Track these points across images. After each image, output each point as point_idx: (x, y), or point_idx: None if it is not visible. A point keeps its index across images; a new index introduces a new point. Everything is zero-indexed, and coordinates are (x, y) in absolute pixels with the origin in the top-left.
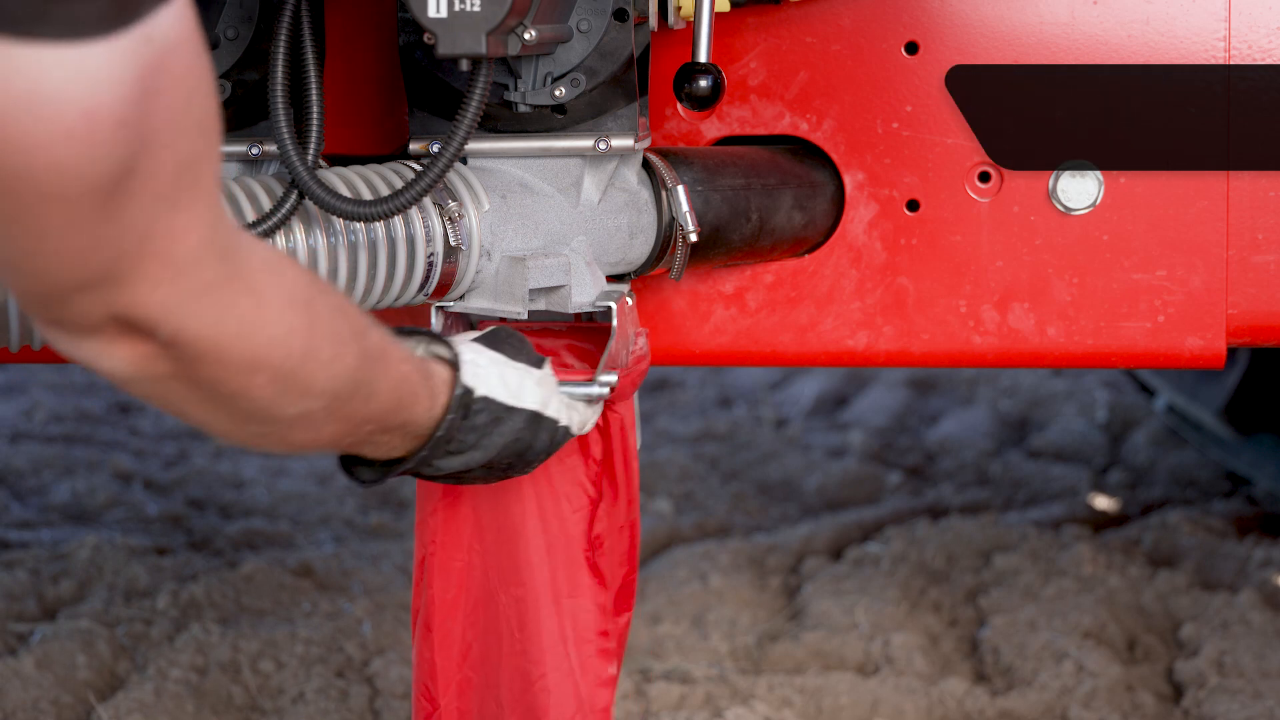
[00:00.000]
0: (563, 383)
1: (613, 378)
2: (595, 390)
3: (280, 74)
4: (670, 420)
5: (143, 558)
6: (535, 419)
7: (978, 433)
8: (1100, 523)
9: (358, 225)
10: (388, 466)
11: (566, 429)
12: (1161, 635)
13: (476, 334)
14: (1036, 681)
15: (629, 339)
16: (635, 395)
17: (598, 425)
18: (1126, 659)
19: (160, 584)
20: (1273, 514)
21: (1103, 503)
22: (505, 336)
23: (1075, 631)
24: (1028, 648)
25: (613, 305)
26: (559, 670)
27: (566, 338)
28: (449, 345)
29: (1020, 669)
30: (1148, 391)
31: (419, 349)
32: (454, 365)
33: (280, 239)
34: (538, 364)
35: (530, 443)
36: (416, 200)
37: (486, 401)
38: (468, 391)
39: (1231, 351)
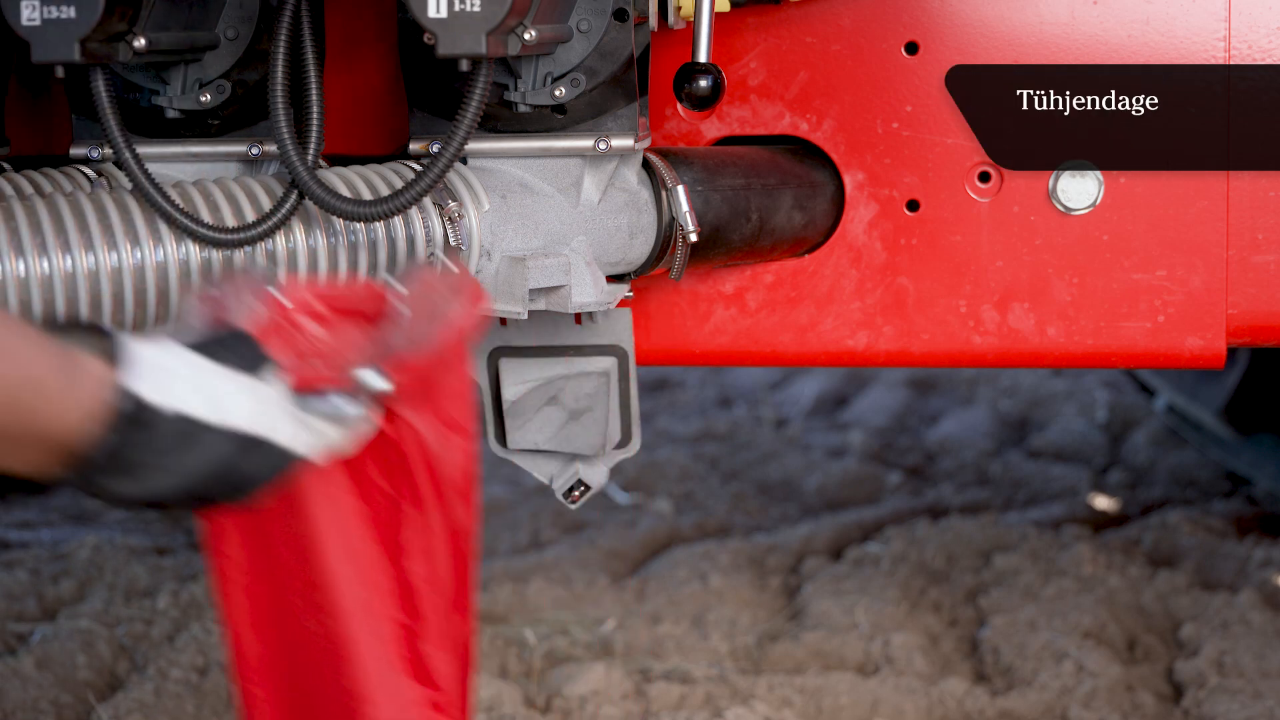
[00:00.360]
0: (302, 394)
1: (379, 383)
2: (347, 410)
3: (280, 74)
4: (670, 420)
5: (143, 558)
6: (246, 442)
7: (978, 433)
8: (1100, 523)
9: (358, 225)
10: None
11: (289, 453)
12: (1161, 635)
13: (174, 332)
14: (1036, 681)
15: (432, 313)
16: (480, 352)
17: (384, 434)
18: (1126, 659)
19: (160, 584)
20: (1273, 514)
21: (1103, 503)
22: (215, 341)
23: (1075, 631)
24: (1028, 648)
25: (392, 281)
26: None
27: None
28: (114, 340)
29: (1020, 669)
30: (1148, 391)
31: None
32: (113, 364)
33: (280, 239)
34: (253, 369)
35: (241, 470)
36: (416, 200)
37: (172, 417)
38: (139, 403)
39: (1231, 351)
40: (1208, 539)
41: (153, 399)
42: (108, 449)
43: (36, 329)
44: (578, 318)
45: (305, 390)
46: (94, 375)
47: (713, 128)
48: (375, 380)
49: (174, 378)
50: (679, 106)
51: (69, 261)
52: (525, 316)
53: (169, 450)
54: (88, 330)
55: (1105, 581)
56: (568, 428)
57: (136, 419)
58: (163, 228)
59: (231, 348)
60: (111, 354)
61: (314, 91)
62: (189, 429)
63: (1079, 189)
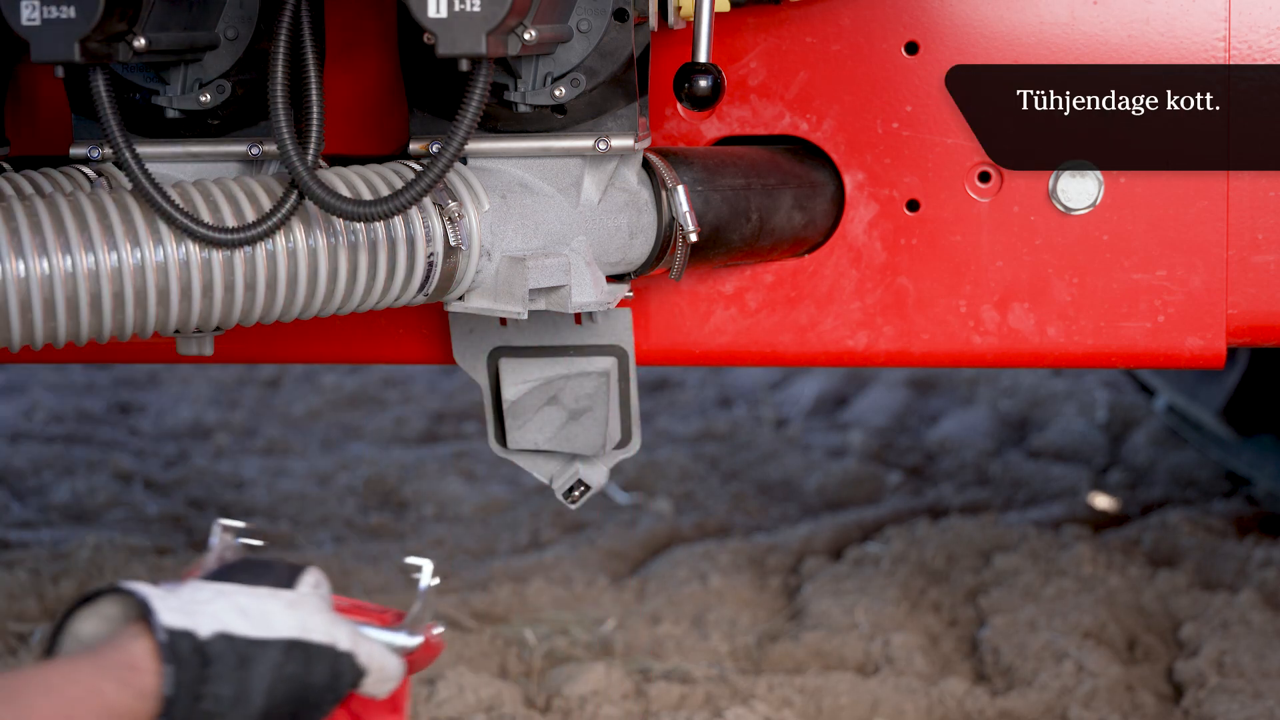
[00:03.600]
0: (360, 623)
1: (418, 639)
2: (400, 639)
3: (280, 74)
4: (670, 420)
5: (143, 558)
6: (300, 649)
7: (978, 433)
8: (1100, 523)
9: (358, 225)
10: None
11: (352, 658)
12: (1161, 635)
13: (202, 572)
14: (1036, 681)
15: (432, 611)
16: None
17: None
18: (1126, 659)
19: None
20: (1273, 514)
21: (1103, 503)
22: (237, 567)
23: (1075, 631)
24: (1028, 648)
25: (425, 567)
26: None
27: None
28: (137, 595)
29: (1020, 669)
30: (1148, 391)
31: (97, 617)
32: (145, 615)
33: (280, 239)
34: (288, 583)
35: (304, 678)
36: (416, 200)
37: (216, 638)
38: (186, 634)
39: (1231, 351)
40: (1208, 539)
41: (189, 628)
42: (187, 693)
43: (66, 662)
44: (578, 318)
45: (357, 619)
46: (137, 656)
47: (713, 128)
48: (414, 639)
49: (206, 605)
50: (679, 106)
51: (69, 261)
52: (525, 316)
53: (229, 675)
54: (111, 594)
55: (1105, 581)
56: (568, 428)
57: (181, 652)
58: (163, 228)
59: (261, 570)
60: (141, 609)
61: (314, 91)
62: (240, 648)
63: (1079, 189)
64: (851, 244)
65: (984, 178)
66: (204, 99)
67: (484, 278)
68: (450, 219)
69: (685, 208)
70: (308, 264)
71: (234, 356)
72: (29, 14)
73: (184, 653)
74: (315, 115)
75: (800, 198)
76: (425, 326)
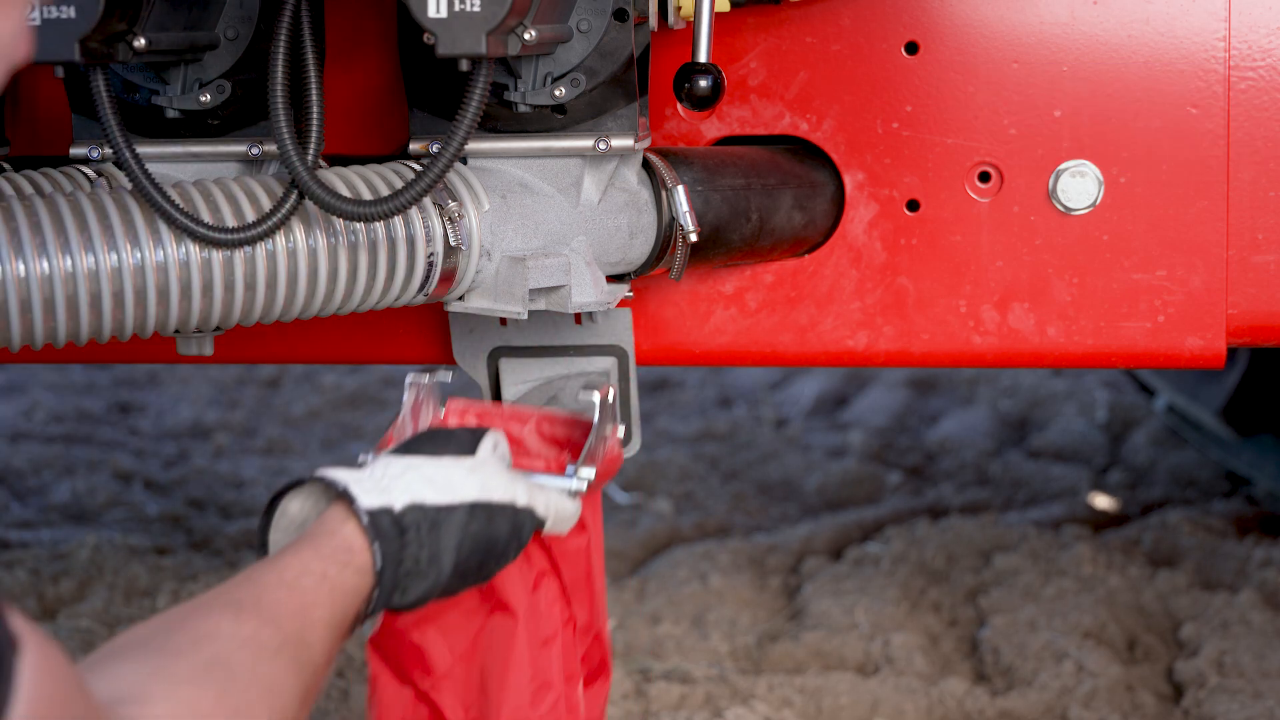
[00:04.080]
0: (532, 474)
1: (585, 482)
2: (574, 484)
3: (280, 74)
4: (670, 420)
5: (143, 558)
6: (482, 509)
7: (978, 433)
8: (1100, 523)
9: (358, 225)
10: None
11: (530, 511)
12: (1161, 635)
13: (390, 449)
14: (1036, 681)
15: (607, 430)
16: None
17: (540, 539)
18: (1126, 659)
19: (160, 584)
20: (1273, 514)
21: (1103, 503)
22: (422, 439)
23: (1075, 631)
24: (1028, 648)
25: (595, 398)
26: None
27: (535, 419)
28: (332, 483)
29: (1020, 669)
30: (1148, 391)
31: (301, 498)
32: (347, 499)
33: (280, 239)
34: (469, 449)
35: (489, 534)
36: (416, 200)
37: (413, 509)
38: (384, 511)
39: (1231, 351)
40: (1208, 539)
41: (386, 504)
42: (391, 563)
43: (294, 554)
44: (578, 318)
45: (533, 470)
46: (350, 537)
47: (713, 128)
48: (587, 473)
49: (397, 480)
50: (679, 106)
51: (69, 261)
52: (525, 316)
53: (424, 539)
54: (313, 481)
55: (1105, 581)
56: None
57: (383, 528)
58: (163, 228)
59: (444, 439)
60: (338, 493)
61: (314, 91)
62: (430, 515)
63: (1079, 189)
64: (851, 244)
65: (984, 178)
66: (204, 99)
67: (484, 278)
68: (450, 219)
69: (685, 208)
70: (308, 264)
71: (234, 356)
72: (29, 14)
73: (385, 527)
74: (315, 115)
75: (800, 198)
76: (425, 326)
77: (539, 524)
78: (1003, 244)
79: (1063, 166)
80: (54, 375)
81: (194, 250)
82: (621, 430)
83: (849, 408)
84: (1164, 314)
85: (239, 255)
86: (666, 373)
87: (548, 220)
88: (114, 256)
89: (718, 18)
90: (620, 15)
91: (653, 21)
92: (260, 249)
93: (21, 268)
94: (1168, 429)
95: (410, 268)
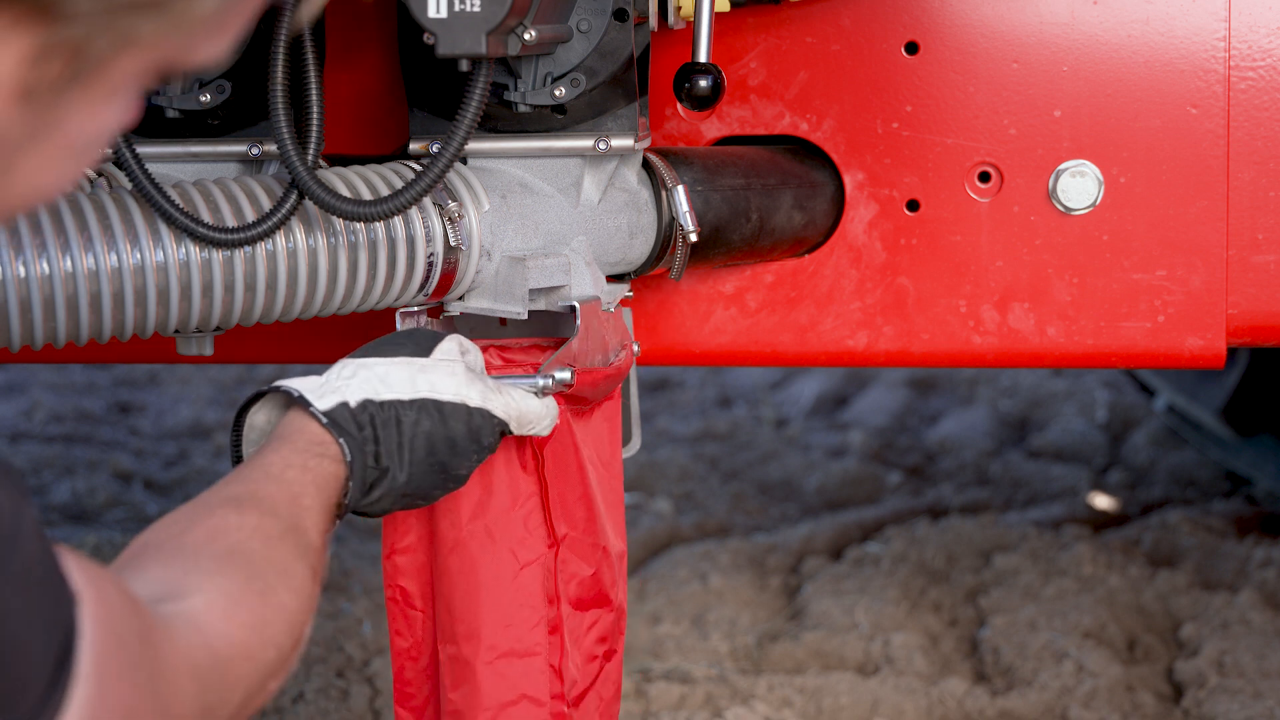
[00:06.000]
0: (499, 376)
1: (565, 374)
2: (539, 382)
3: (280, 74)
4: (670, 420)
5: None
6: (432, 406)
7: (978, 433)
8: (1100, 523)
9: (358, 225)
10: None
11: (486, 412)
12: (1161, 635)
13: (351, 354)
14: (1036, 681)
15: (603, 343)
16: (635, 394)
17: (536, 459)
18: (1126, 659)
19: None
20: (1273, 514)
21: (1103, 503)
22: (382, 342)
23: (1075, 631)
24: (1028, 648)
25: (576, 305)
26: None
27: (540, 349)
28: (279, 390)
29: (1020, 669)
30: (1148, 391)
31: (264, 410)
32: (303, 404)
33: (280, 239)
34: (425, 352)
35: (447, 435)
36: (416, 200)
37: (367, 404)
38: (341, 406)
39: (1231, 351)
40: (1208, 539)
41: (341, 402)
42: (354, 461)
43: (274, 451)
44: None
45: (502, 374)
46: (317, 432)
47: (713, 128)
48: (562, 373)
49: (350, 381)
50: (679, 106)
51: (69, 262)
52: (525, 316)
53: (380, 436)
54: (271, 393)
55: (1105, 581)
56: None
57: (342, 422)
58: (163, 228)
59: (399, 341)
60: (294, 399)
61: (314, 91)
62: (386, 412)
63: (1079, 189)
64: (851, 244)
65: (984, 178)
66: (204, 99)
67: (484, 278)
68: (450, 219)
69: (685, 208)
70: (308, 264)
71: (234, 356)
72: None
73: (343, 422)
74: (315, 115)
75: (800, 198)
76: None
77: (502, 425)
78: (1003, 244)
79: (1063, 166)
80: (54, 375)
81: (194, 250)
82: (627, 354)
83: (849, 408)
84: (1164, 314)
85: (239, 255)
86: (666, 373)
87: (548, 220)
88: (114, 257)
89: (718, 18)
90: (620, 15)
91: (653, 21)
92: (260, 249)
93: (21, 268)
94: (1168, 429)
95: (410, 268)
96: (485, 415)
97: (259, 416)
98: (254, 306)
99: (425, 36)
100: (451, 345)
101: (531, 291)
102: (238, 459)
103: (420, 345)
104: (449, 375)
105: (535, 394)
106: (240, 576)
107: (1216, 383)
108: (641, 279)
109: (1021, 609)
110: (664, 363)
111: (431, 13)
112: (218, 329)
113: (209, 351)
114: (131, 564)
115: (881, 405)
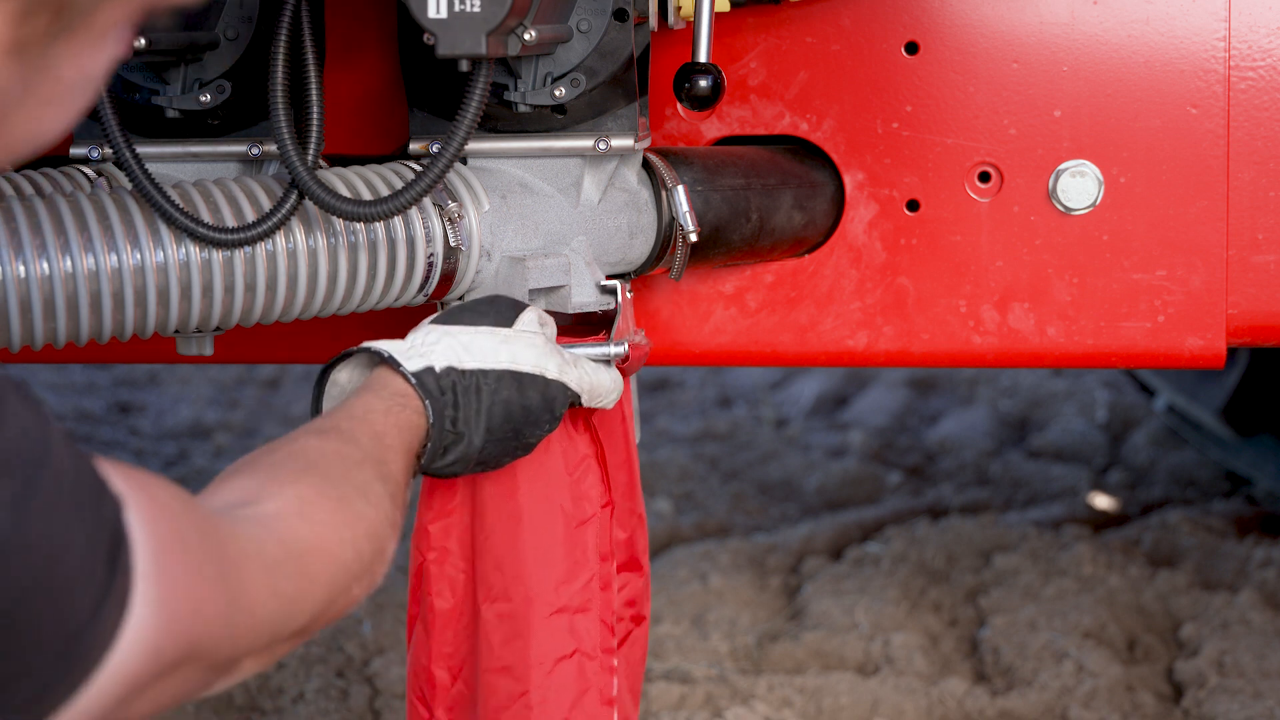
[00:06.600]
0: (570, 345)
1: (623, 347)
2: (612, 350)
3: (280, 74)
4: (670, 420)
5: None
6: (512, 377)
7: (978, 433)
8: (1100, 523)
9: (358, 225)
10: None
11: (562, 385)
12: (1161, 635)
13: (432, 318)
14: (1036, 681)
15: (633, 322)
16: (634, 389)
17: (588, 423)
18: (1126, 659)
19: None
20: (1273, 514)
21: (1103, 503)
22: (464, 309)
23: (1075, 631)
24: (1028, 648)
25: (618, 285)
26: (544, 688)
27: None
28: (378, 352)
29: (1020, 669)
30: (1148, 391)
31: (350, 368)
32: (392, 364)
33: (280, 239)
34: (507, 321)
35: (523, 404)
36: (416, 201)
37: (450, 371)
38: (427, 370)
39: (1231, 351)
40: (1208, 539)
41: (427, 365)
42: (435, 424)
43: (359, 399)
44: (576, 318)
45: (569, 343)
46: (402, 387)
47: (713, 128)
48: (619, 347)
49: (435, 346)
50: (679, 106)
51: (69, 261)
52: None
53: (460, 402)
54: (359, 353)
55: (1105, 581)
56: None
57: (428, 385)
58: (163, 228)
59: (482, 310)
60: (383, 359)
61: (314, 91)
62: (466, 378)
63: (1079, 189)
64: (851, 244)
65: (984, 178)
66: (204, 99)
67: (484, 278)
68: (450, 219)
69: (685, 208)
70: (308, 264)
71: (234, 356)
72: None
73: (429, 384)
74: (315, 115)
75: (800, 198)
76: None
77: (574, 398)
78: (1003, 244)
79: (1063, 166)
80: (54, 375)
81: (194, 251)
82: (639, 334)
83: (849, 408)
84: (1164, 314)
85: (239, 256)
86: (666, 373)
87: (548, 220)
88: (114, 257)
89: (718, 18)
90: (620, 15)
91: (653, 21)
92: (260, 249)
93: (21, 268)
94: (1168, 429)
95: (410, 268)
96: (560, 387)
97: (342, 375)
98: (254, 307)
99: (425, 37)
100: (532, 316)
101: (531, 291)
102: (318, 414)
103: (502, 315)
104: (529, 347)
105: (605, 362)
106: (316, 487)
107: (1216, 383)
108: (641, 279)
109: (1021, 609)
110: (664, 363)
111: (431, 13)
112: (218, 329)
113: (209, 351)
114: (222, 480)
115: (881, 405)
